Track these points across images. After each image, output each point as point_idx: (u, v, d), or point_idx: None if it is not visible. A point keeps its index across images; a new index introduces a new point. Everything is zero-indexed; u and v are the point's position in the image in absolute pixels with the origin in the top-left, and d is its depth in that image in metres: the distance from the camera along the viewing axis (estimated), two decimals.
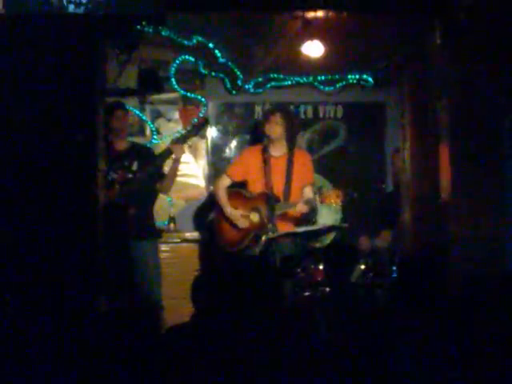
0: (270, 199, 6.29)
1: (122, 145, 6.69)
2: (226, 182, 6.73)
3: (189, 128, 6.97)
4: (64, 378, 3.83)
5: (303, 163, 6.65)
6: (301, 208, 6.35)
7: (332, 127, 8.69)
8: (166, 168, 6.76)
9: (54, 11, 5.77)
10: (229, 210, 6.60)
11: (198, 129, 6.91)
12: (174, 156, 6.58)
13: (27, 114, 5.60)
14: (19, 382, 4.03)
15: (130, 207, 6.44)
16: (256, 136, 7.30)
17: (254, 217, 6.51)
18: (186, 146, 6.80)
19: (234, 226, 6.61)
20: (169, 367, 3.82)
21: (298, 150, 6.74)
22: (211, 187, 7.83)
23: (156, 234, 6.92)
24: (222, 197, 6.67)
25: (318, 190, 7.85)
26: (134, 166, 6.61)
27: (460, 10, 6.45)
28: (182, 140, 6.69)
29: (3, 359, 4.23)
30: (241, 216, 6.55)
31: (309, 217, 6.87)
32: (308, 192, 6.62)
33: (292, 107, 8.50)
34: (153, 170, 6.58)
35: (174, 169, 6.71)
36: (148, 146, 7.49)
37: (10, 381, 4.03)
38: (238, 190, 6.69)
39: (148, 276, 6.58)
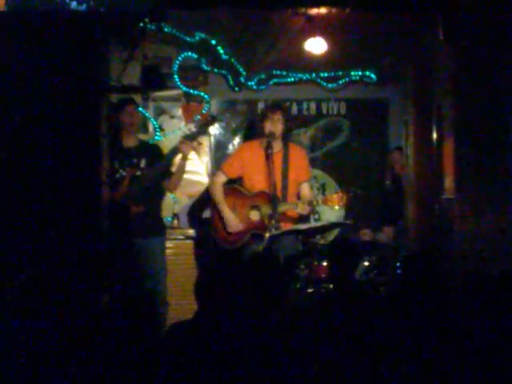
0: (270, 198, 6.24)
1: (130, 142, 6.68)
2: (221, 178, 6.64)
3: (197, 126, 6.95)
4: (66, 373, 3.84)
5: (299, 159, 6.61)
6: (303, 209, 6.32)
7: (335, 124, 8.68)
8: (174, 166, 6.75)
9: (56, 8, 5.77)
10: (226, 211, 6.50)
11: (207, 126, 6.88)
12: (182, 154, 6.57)
13: (30, 111, 5.60)
14: (21, 377, 4.04)
15: (138, 204, 6.44)
16: (254, 133, 7.25)
17: (254, 215, 6.46)
18: (194, 144, 6.76)
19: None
20: (172, 363, 3.83)
21: (292, 146, 6.70)
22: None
23: (163, 230, 6.92)
24: (218, 195, 6.56)
25: (322, 187, 7.87)
26: (142, 164, 6.61)
27: (463, 6, 6.45)
28: (190, 138, 6.67)
29: (6, 354, 4.24)
30: (237, 218, 6.48)
31: (307, 216, 6.85)
32: (306, 189, 6.59)
33: (295, 104, 8.52)
34: (161, 168, 6.57)
35: (182, 167, 6.69)
36: (157, 144, 7.48)
37: (11, 376, 4.03)
38: (236, 187, 6.62)
39: (155, 273, 6.58)
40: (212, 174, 8.05)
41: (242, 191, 6.53)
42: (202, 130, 6.80)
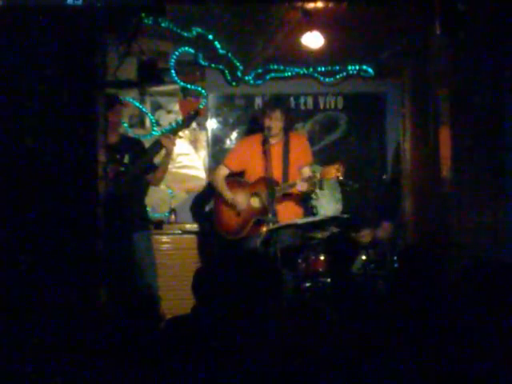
0: (269, 183, 6.29)
1: (113, 138, 6.66)
2: (223, 171, 6.72)
3: (179, 120, 6.96)
4: (63, 370, 3.84)
5: (299, 145, 6.69)
6: (301, 186, 6.36)
7: (332, 118, 8.68)
8: (158, 160, 6.76)
9: (52, 3, 5.75)
10: (229, 195, 6.59)
11: (189, 121, 6.89)
12: (165, 149, 6.58)
13: (26, 106, 5.59)
14: (20, 374, 4.04)
15: (123, 200, 6.44)
16: (255, 127, 7.27)
17: (255, 202, 6.53)
18: (176, 138, 6.75)
19: (234, 213, 6.61)
20: (168, 359, 3.82)
21: (292, 134, 6.78)
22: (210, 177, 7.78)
23: (148, 225, 6.93)
24: (222, 185, 6.68)
25: (319, 181, 7.86)
26: (126, 159, 6.61)
27: (460, 0, 6.44)
28: (172, 132, 6.69)
29: (4, 352, 4.24)
30: (241, 200, 6.55)
31: (310, 195, 6.87)
32: (306, 171, 6.63)
33: (292, 98, 8.53)
34: (144, 163, 6.57)
35: (166, 161, 6.70)
36: (138, 138, 7.47)
37: (9, 373, 4.03)
38: (235, 178, 6.71)
39: (142, 268, 6.59)
40: (210, 169, 8.07)
41: (242, 181, 6.62)
42: (184, 124, 6.82)
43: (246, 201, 6.56)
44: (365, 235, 7.35)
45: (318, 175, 6.41)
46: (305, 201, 6.86)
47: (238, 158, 6.73)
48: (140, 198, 6.80)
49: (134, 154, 6.62)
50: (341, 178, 6.35)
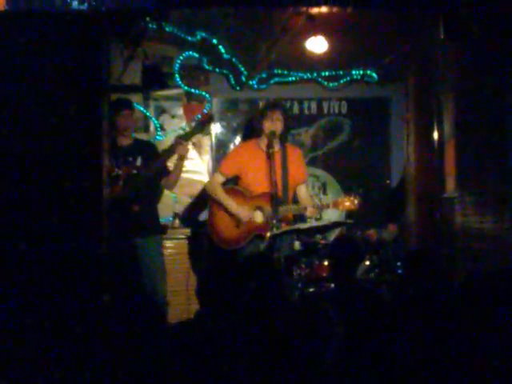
0: (274, 199, 6.22)
1: (125, 141, 6.67)
2: (219, 179, 6.63)
3: (194, 125, 6.93)
4: (65, 373, 3.84)
5: (296, 159, 6.61)
6: (310, 212, 6.35)
7: (336, 123, 8.68)
8: (171, 164, 6.74)
9: (57, 8, 5.76)
10: (234, 205, 6.50)
11: (203, 126, 6.86)
12: (178, 153, 6.56)
13: (32, 110, 5.60)
14: (21, 376, 4.04)
15: (134, 203, 6.43)
16: (252, 132, 7.23)
17: (258, 217, 6.43)
18: (190, 143, 6.75)
19: (233, 224, 6.52)
20: (174, 362, 3.82)
21: (289, 146, 6.71)
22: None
23: (160, 230, 6.90)
24: (222, 194, 6.55)
25: (323, 186, 7.86)
26: (138, 162, 6.59)
27: (463, 4, 6.44)
28: (186, 137, 6.65)
29: (5, 356, 4.24)
30: (246, 212, 6.47)
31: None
32: (303, 191, 6.60)
33: (296, 103, 8.53)
34: (157, 167, 6.56)
35: (180, 166, 6.67)
36: (151, 142, 7.47)
37: (11, 375, 4.03)
38: (236, 188, 6.60)
39: (152, 273, 6.57)
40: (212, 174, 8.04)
41: (243, 192, 6.51)
42: (198, 129, 6.79)
43: (249, 213, 6.46)
44: (372, 234, 7.35)
45: (330, 205, 6.39)
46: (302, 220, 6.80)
47: (231, 164, 6.63)
48: (152, 202, 6.78)
49: (147, 157, 6.61)
50: (355, 209, 6.33)
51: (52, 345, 4.61)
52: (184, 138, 6.62)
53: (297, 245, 6.99)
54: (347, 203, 6.30)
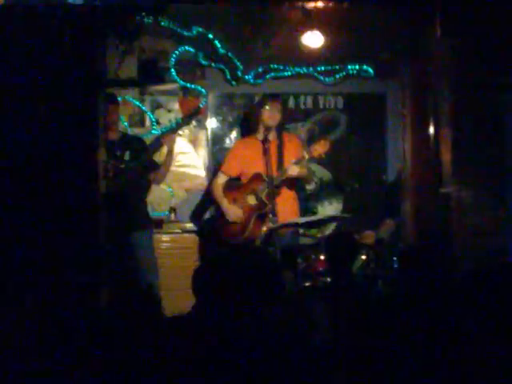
0: (263, 178, 6.29)
1: (113, 135, 6.67)
2: (221, 179, 6.72)
3: (178, 119, 6.96)
4: (61, 369, 3.83)
5: (293, 146, 6.67)
6: (291, 170, 6.35)
7: (332, 118, 8.66)
8: (159, 159, 6.76)
9: (53, 2, 5.75)
10: (224, 204, 6.60)
11: (189, 119, 6.90)
12: (166, 147, 6.59)
13: (27, 104, 5.59)
14: (18, 372, 4.03)
15: (124, 197, 6.43)
16: (249, 127, 7.23)
17: (251, 199, 6.49)
18: (176, 136, 6.77)
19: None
20: (169, 358, 3.82)
21: (286, 134, 6.77)
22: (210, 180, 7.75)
23: (151, 224, 6.92)
24: (217, 193, 6.71)
25: (320, 181, 7.86)
26: (126, 156, 6.60)
27: (459, 0, 6.44)
28: (172, 130, 6.69)
29: (2, 351, 4.23)
30: (238, 208, 6.52)
31: (307, 181, 6.86)
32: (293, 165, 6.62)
33: (292, 98, 8.53)
34: (145, 161, 6.57)
35: (168, 159, 6.71)
36: (139, 136, 7.48)
37: (7, 373, 4.02)
38: (230, 182, 6.68)
39: (143, 267, 6.58)
40: (210, 168, 8.05)
41: (236, 183, 6.58)
42: (184, 122, 6.82)
43: (237, 214, 6.51)
44: (368, 236, 7.35)
45: (305, 155, 6.41)
46: (305, 200, 6.84)
47: (233, 164, 6.70)
48: (142, 197, 6.79)
49: (135, 151, 6.62)
50: (327, 152, 6.37)
51: (44, 339, 4.61)
52: (170, 131, 6.65)
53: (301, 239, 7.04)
54: (319, 147, 6.33)
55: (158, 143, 6.62)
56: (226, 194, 6.63)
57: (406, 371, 3.76)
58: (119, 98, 7.07)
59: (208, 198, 7.74)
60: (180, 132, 6.95)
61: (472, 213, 6.46)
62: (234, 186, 6.62)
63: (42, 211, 5.49)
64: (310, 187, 7.01)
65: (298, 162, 6.36)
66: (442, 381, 3.68)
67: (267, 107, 6.49)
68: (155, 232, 7.49)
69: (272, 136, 6.54)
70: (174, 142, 6.63)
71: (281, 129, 6.68)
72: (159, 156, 6.78)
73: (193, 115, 6.93)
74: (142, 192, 6.82)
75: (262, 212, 6.36)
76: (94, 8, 5.82)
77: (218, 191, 6.66)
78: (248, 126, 7.40)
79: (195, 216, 8.09)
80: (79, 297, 5.37)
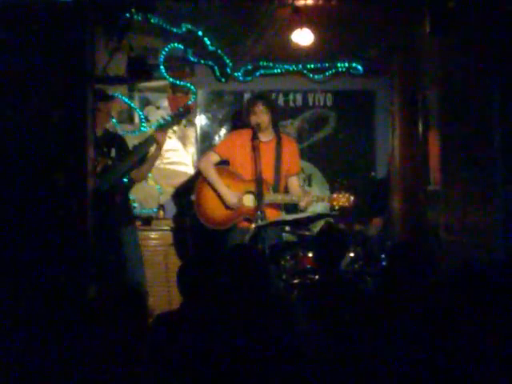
0: (260, 186, 6.22)
1: (99, 132, 6.65)
2: (214, 158, 6.55)
3: (170, 116, 6.95)
4: (52, 364, 3.83)
5: (291, 151, 6.62)
6: (306, 203, 6.33)
7: (322, 115, 8.68)
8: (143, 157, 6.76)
9: None
10: (225, 190, 6.45)
11: (180, 117, 6.89)
12: (156, 143, 6.58)
13: (15, 101, 5.58)
14: (8, 366, 4.03)
15: (110, 194, 6.43)
16: (240, 124, 7.22)
17: (248, 201, 6.43)
18: (167, 134, 6.75)
19: (223, 204, 6.51)
20: (157, 355, 3.82)
21: (285, 137, 6.72)
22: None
23: (134, 220, 6.94)
24: (213, 174, 6.47)
25: (308, 178, 7.86)
26: (112, 153, 6.61)
27: None
28: (163, 128, 6.67)
29: None
30: (235, 193, 6.43)
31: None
32: (295, 183, 6.60)
33: (281, 95, 8.54)
34: (133, 158, 6.57)
35: (153, 158, 6.71)
36: (120, 134, 7.48)
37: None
38: (229, 169, 6.56)
39: (128, 263, 6.59)
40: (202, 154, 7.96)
41: (236, 174, 6.48)
42: (175, 120, 6.80)
43: (237, 200, 6.41)
44: (376, 223, 7.35)
45: (326, 199, 6.41)
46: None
47: (228, 147, 6.61)
48: (125, 193, 6.79)
49: (119, 148, 6.63)
50: (349, 207, 6.34)
51: (34, 334, 4.61)
52: (161, 129, 6.64)
53: (286, 236, 7.01)
54: (342, 200, 6.30)
55: (151, 140, 6.60)
56: (222, 178, 6.50)
57: (395, 367, 3.78)
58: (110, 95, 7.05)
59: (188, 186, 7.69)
60: (170, 129, 6.92)
61: (460, 210, 6.47)
62: (234, 176, 6.49)
63: (29, 208, 5.48)
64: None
65: (311, 200, 6.35)
66: (432, 376, 3.70)
67: (255, 108, 6.46)
68: (143, 229, 7.49)
69: (269, 136, 6.50)
70: (164, 139, 6.62)
71: (278, 129, 6.64)
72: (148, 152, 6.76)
73: (182, 114, 6.92)
74: (125, 188, 6.82)
75: (251, 218, 6.30)
76: (82, 4, 5.80)
77: (212, 171, 6.45)
78: (240, 122, 7.39)
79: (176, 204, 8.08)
80: (66, 292, 5.37)
